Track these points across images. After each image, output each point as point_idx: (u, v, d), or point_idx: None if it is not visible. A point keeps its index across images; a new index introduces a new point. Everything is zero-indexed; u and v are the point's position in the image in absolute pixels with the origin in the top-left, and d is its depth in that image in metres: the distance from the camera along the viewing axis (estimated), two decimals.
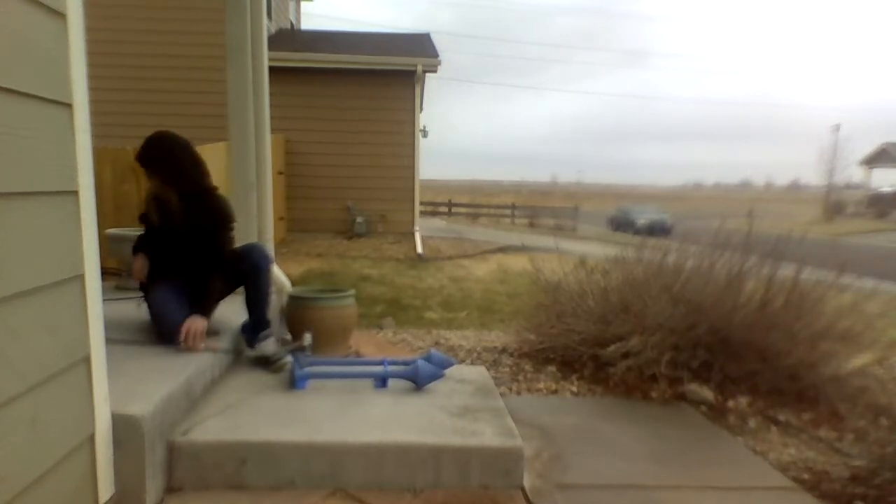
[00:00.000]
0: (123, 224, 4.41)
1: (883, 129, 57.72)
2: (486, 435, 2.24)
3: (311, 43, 12.31)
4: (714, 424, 2.97)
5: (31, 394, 1.47)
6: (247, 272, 2.86)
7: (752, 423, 3.05)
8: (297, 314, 3.36)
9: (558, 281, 4.15)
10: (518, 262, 8.95)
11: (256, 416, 2.30)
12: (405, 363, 2.78)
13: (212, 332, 2.76)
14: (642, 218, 23.40)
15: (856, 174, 41.08)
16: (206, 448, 2.08)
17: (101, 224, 1.96)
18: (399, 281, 7.81)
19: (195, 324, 2.59)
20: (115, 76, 9.70)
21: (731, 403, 3.19)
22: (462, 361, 3.74)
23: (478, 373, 3.01)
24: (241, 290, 2.91)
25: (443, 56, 11.23)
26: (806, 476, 2.47)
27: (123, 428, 1.86)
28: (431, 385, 2.68)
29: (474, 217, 26.60)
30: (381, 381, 2.68)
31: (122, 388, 1.97)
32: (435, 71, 11.17)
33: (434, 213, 25.19)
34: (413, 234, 11.19)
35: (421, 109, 11.48)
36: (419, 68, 10.91)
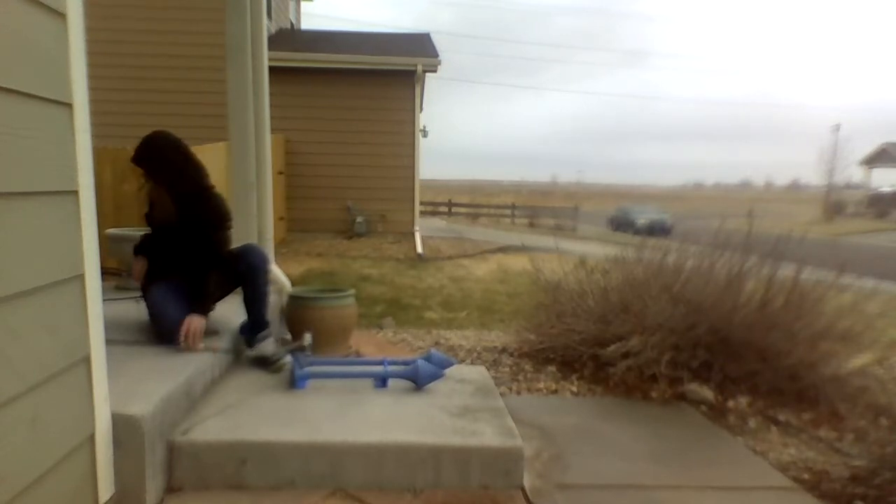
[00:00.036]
0: (123, 224, 4.42)
1: (883, 129, 57.80)
2: (486, 435, 2.24)
3: (311, 43, 12.31)
4: (714, 424, 2.97)
5: (31, 394, 1.47)
6: (244, 273, 2.86)
7: (752, 422, 3.05)
8: (297, 314, 3.36)
9: (558, 281, 4.15)
10: (518, 262, 8.95)
11: (256, 415, 2.30)
12: (405, 363, 2.78)
13: (211, 332, 2.76)
14: (642, 218, 23.41)
15: (856, 174, 41.18)
16: (206, 448, 2.08)
17: (101, 224, 1.96)
18: (399, 281, 7.81)
19: (193, 322, 2.60)
20: (115, 76, 9.70)
21: (731, 403, 3.19)
22: (462, 361, 3.74)
23: (478, 373, 3.01)
24: (240, 290, 2.91)
25: (443, 56, 11.24)
26: (806, 476, 2.47)
27: (123, 428, 1.86)
28: (431, 385, 2.68)
29: (474, 217, 26.59)
30: (381, 381, 2.68)
31: (122, 388, 1.97)
32: (435, 71, 11.17)
33: (434, 213, 25.18)
34: (413, 234, 11.19)
35: (421, 109, 11.49)
36: (419, 68, 10.91)
